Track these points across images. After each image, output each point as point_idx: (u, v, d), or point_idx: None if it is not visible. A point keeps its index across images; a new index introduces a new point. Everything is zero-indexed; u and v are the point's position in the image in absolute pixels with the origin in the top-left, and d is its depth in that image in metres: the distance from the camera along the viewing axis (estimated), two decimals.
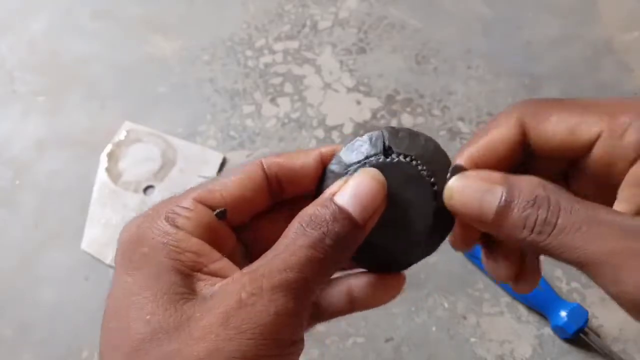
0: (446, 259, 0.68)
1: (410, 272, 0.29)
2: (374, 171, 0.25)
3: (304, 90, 0.86)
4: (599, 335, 0.63)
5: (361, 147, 0.27)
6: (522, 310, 0.66)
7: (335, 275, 0.28)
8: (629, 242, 0.21)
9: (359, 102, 0.85)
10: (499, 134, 0.26)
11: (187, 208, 0.24)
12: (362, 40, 0.91)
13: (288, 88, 0.87)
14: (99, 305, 0.78)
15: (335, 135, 0.81)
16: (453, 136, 0.80)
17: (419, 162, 0.27)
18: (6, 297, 0.71)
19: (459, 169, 0.26)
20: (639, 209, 0.24)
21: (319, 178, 0.27)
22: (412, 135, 0.28)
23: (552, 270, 0.68)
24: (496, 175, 0.24)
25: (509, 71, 0.86)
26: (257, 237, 0.27)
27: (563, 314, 0.61)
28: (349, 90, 0.86)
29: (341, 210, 0.23)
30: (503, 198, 0.23)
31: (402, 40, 0.91)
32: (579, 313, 0.61)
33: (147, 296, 0.22)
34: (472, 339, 0.65)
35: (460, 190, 0.25)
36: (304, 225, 0.23)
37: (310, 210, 0.24)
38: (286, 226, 0.27)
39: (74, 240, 0.74)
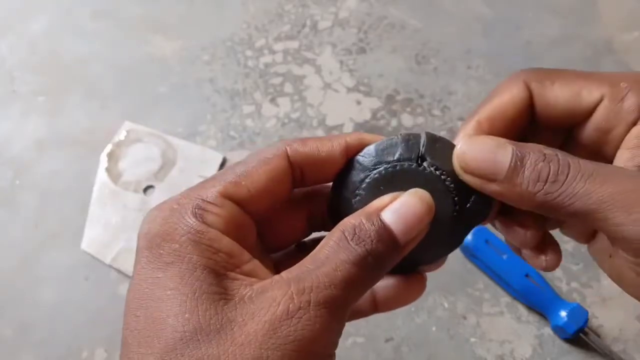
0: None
1: None
2: (424, 194, 0.25)
3: (304, 90, 0.86)
4: (599, 335, 0.63)
5: (395, 147, 0.27)
6: (522, 310, 0.66)
7: None
8: (637, 182, 0.22)
9: (359, 102, 0.85)
10: (509, 97, 0.27)
11: (214, 204, 0.23)
12: (362, 40, 0.91)
13: (288, 88, 0.87)
14: (99, 305, 0.78)
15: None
16: (453, 136, 0.80)
17: (448, 178, 0.26)
18: (6, 297, 0.71)
19: (433, 138, 0.27)
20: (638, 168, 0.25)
21: (343, 166, 0.27)
22: (449, 147, 0.27)
23: (552, 271, 0.68)
24: (503, 139, 0.25)
25: (509, 71, 0.86)
26: (274, 228, 0.27)
27: (563, 314, 0.61)
28: (349, 90, 0.86)
29: (386, 229, 0.23)
30: (516, 154, 0.23)
31: (402, 40, 0.91)
32: (579, 313, 0.61)
33: (185, 293, 0.21)
34: (472, 339, 0.65)
35: (473, 149, 0.25)
36: (347, 237, 0.22)
37: (355, 221, 0.23)
38: (304, 219, 0.27)
39: (74, 240, 0.74)
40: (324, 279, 0.21)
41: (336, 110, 0.84)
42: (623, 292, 0.26)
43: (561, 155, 0.23)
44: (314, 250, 0.23)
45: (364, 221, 0.23)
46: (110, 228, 0.75)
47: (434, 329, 0.65)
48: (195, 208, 0.23)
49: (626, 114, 0.25)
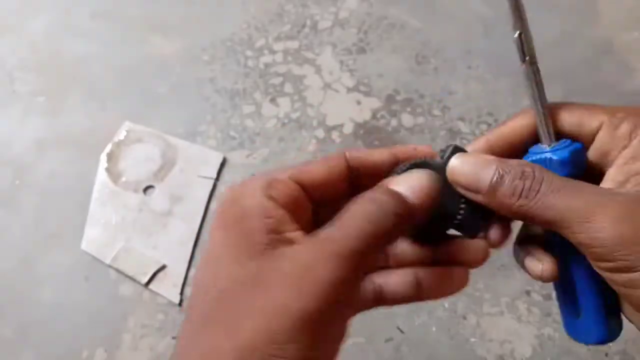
0: None
1: None
2: (429, 170, 0.29)
3: (304, 90, 0.86)
4: None
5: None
6: (522, 310, 0.66)
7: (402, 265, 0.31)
8: (598, 197, 0.26)
9: (359, 102, 0.85)
10: (519, 124, 0.31)
11: (281, 182, 0.28)
12: (362, 40, 0.91)
13: (288, 88, 0.87)
14: (99, 305, 0.78)
15: (335, 135, 0.81)
16: (453, 136, 0.80)
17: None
18: (6, 297, 0.71)
19: (458, 149, 0.31)
20: (619, 185, 0.28)
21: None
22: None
23: None
24: (490, 156, 0.29)
25: (509, 71, 0.86)
26: (333, 216, 0.30)
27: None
28: (349, 90, 0.86)
29: (393, 191, 0.27)
30: (497, 172, 0.28)
31: (402, 40, 0.91)
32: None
33: (234, 252, 0.25)
34: (472, 339, 0.65)
35: (461, 165, 0.29)
36: (360, 200, 0.26)
37: (367, 192, 0.27)
38: None
39: (74, 240, 0.74)
40: (337, 234, 0.25)
41: (336, 110, 0.84)
42: None
43: (537, 172, 0.27)
44: (335, 217, 0.26)
45: (374, 190, 0.27)
46: (110, 228, 0.75)
47: (434, 329, 0.65)
48: (265, 184, 0.27)
49: (620, 140, 0.29)
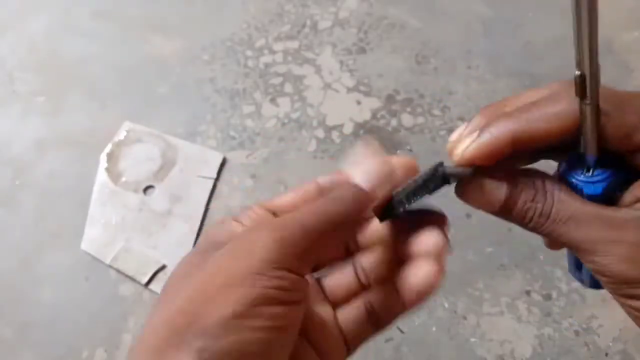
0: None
1: None
2: (387, 157, 0.30)
3: (304, 90, 0.86)
4: (598, 335, 0.63)
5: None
6: (522, 310, 0.66)
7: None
8: (605, 232, 0.25)
9: (359, 102, 0.85)
10: (559, 110, 0.26)
11: (250, 210, 0.30)
12: (362, 40, 0.91)
13: (288, 88, 0.87)
14: (99, 305, 0.78)
15: (335, 135, 0.81)
16: None
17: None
18: (6, 297, 0.71)
19: (442, 166, 0.28)
20: (638, 199, 0.25)
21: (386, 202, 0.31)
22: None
23: (552, 271, 0.68)
24: (501, 174, 0.28)
25: (509, 71, 0.86)
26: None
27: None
28: (349, 90, 0.86)
29: (347, 181, 0.30)
30: (507, 196, 0.27)
31: (402, 40, 0.91)
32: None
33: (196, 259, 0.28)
34: (472, 339, 0.65)
35: (470, 192, 0.28)
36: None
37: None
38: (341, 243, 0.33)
39: (74, 240, 0.74)
40: (281, 222, 0.27)
41: (336, 110, 0.84)
42: None
43: (549, 196, 0.26)
44: None
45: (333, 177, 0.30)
46: (110, 228, 0.75)
47: (434, 329, 0.65)
48: (237, 217, 0.30)
49: None
